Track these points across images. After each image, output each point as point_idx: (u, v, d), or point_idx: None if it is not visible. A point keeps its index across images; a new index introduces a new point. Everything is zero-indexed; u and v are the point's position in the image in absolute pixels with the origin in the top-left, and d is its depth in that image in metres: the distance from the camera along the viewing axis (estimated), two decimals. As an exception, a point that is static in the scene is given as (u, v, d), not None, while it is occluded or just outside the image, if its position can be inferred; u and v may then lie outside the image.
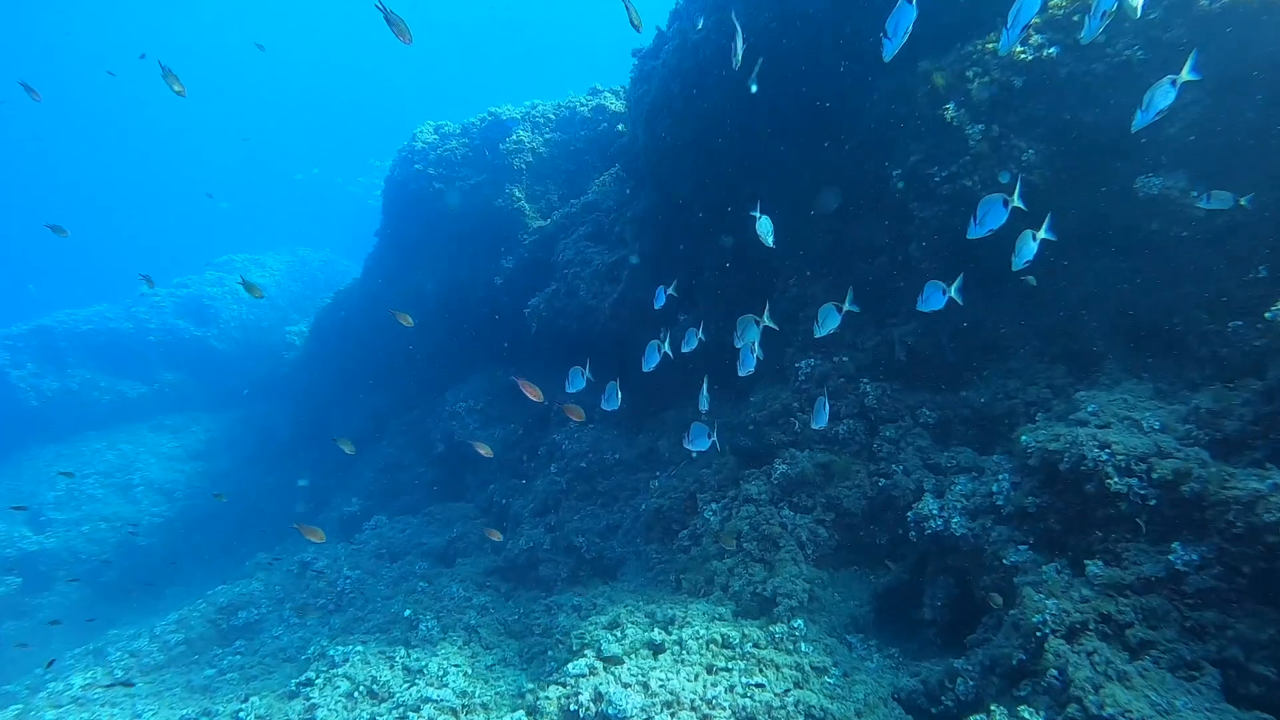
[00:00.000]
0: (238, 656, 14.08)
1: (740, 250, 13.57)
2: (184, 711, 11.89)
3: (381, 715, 9.80)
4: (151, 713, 12.33)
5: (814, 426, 9.60)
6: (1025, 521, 8.60)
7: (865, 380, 11.18)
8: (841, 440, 10.99)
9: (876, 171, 11.09)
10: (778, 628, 9.31)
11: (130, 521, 25.25)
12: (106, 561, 24.36)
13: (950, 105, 9.93)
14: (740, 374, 9.46)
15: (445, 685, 10.23)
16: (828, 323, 8.67)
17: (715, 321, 13.86)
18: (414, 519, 17.95)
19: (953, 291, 7.47)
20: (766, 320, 9.10)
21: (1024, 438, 8.85)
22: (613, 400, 9.88)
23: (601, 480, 14.69)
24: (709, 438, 9.61)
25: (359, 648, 11.78)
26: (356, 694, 10.46)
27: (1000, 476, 8.98)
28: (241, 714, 11.10)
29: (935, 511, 9.22)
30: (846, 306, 8.31)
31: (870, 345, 11.38)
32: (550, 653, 10.58)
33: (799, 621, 9.38)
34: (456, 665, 10.67)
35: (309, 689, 11.06)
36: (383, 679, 10.54)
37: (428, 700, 9.73)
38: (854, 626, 10.09)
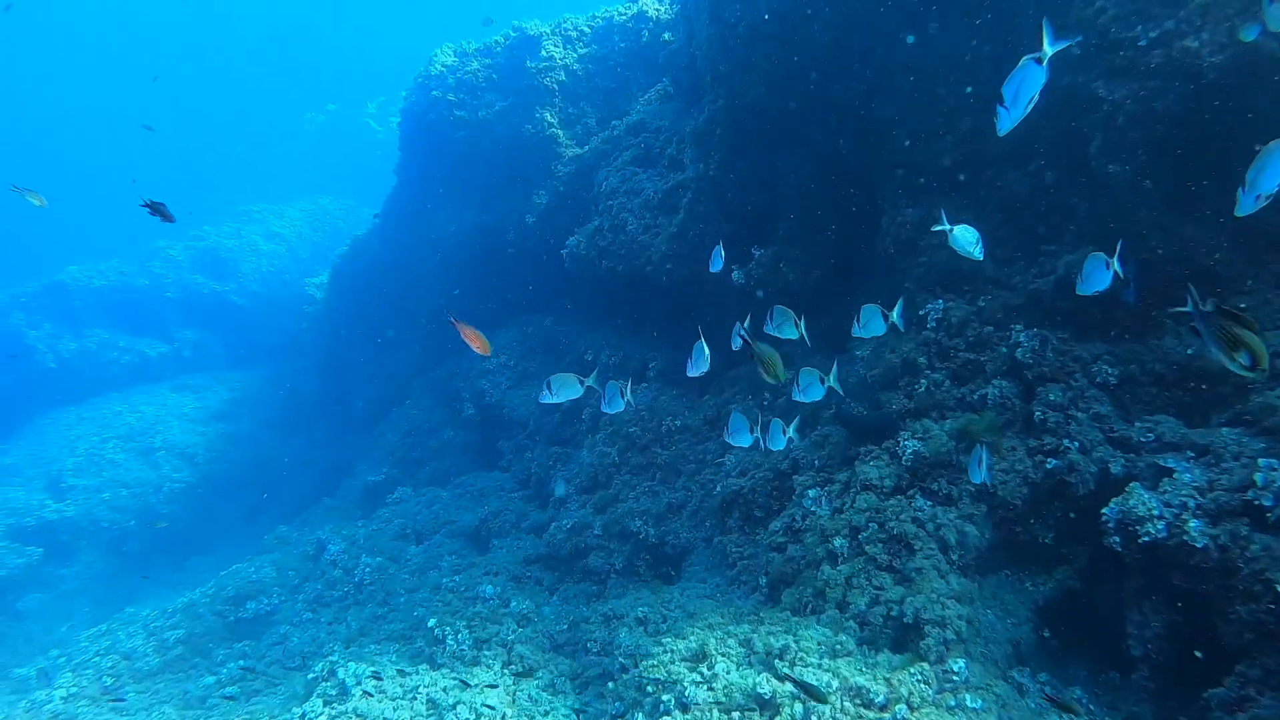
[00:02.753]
0: (241, 662, 11.61)
1: (832, 162, 10.48)
2: (168, 743, 9.46)
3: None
4: (135, 738, 9.93)
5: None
6: (1312, 531, 5.67)
7: (1018, 327, 8.18)
8: (990, 406, 8.03)
9: (1036, 43, 7.92)
10: (930, 672, 6.50)
11: (152, 487, 23.09)
12: (128, 530, 22.26)
13: (1167, -67, 6.75)
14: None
15: (478, 735, 7.62)
16: (871, 325, 6.95)
17: (798, 255, 10.87)
18: (443, 491, 15.33)
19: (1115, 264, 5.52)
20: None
21: (1305, 408, 5.87)
22: (701, 362, 7.01)
23: (660, 450, 11.88)
24: (753, 432, 7.43)
25: (368, 672, 9.18)
26: (366, 742, 7.88)
27: (1264, 464, 6.01)
28: (232, 752, 8.61)
29: (1155, 511, 6.29)
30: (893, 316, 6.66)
31: (1022, 282, 8.34)
32: (612, 685, 7.89)
33: (959, 663, 6.56)
34: (492, 706, 8.02)
35: (310, 725, 8.53)
36: (400, 718, 7.95)
37: (455, 763, 7.11)
38: (1017, 657, 7.28)
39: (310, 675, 9.76)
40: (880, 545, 7.61)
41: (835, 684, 6.40)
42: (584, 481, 12.45)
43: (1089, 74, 7.50)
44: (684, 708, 6.72)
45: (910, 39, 9.09)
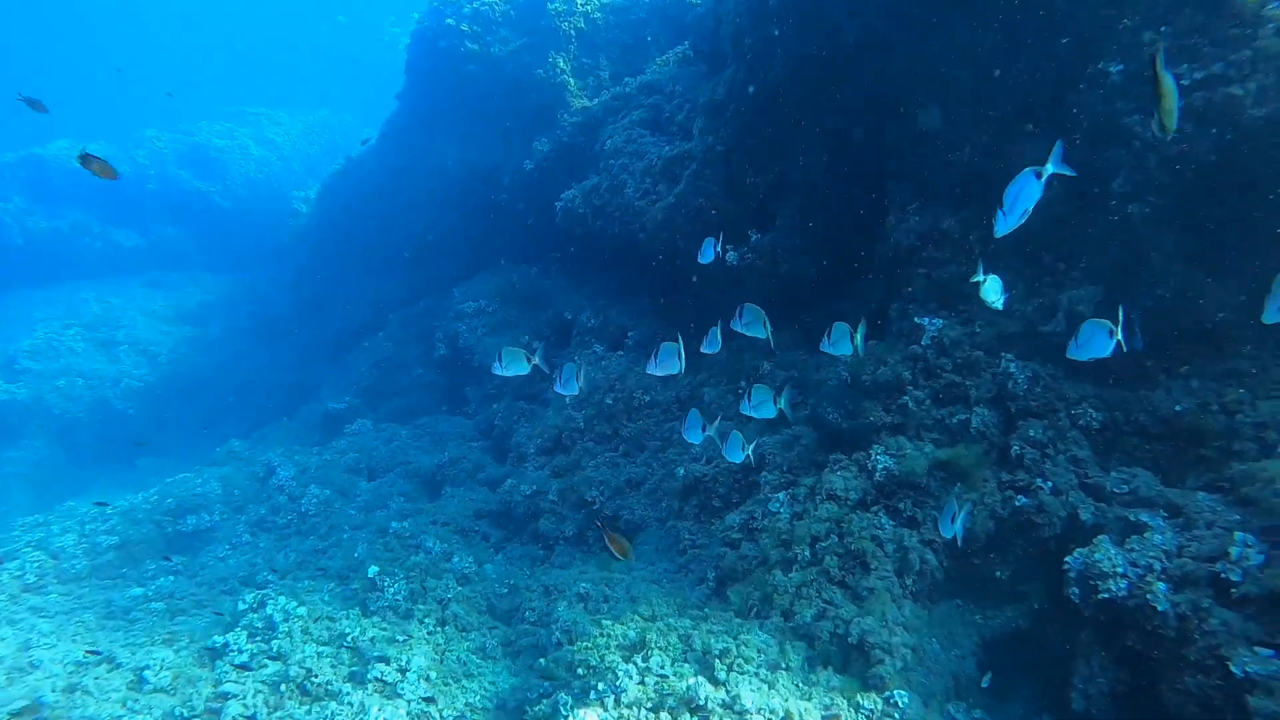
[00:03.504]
0: (172, 578, 11.26)
1: (845, 156, 10.07)
2: (80, 653, 9.13)
3: (306, 733, 6.96)
4: (48, 644, 9.56)
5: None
6: (1276, 614, 5.47)
7: (1009, 356, 7.89)
8: (970, 434, 7.77)
9: (1078, 61, 7.53)
10: (871, 702, 6.30)
11: (110, 381, 22.46)
12: (79, 421, 21.69)
13: (1234, -31, 6.34)
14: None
15: (399, 694, 7.34)
16: (840, 345, 6.91)
17: (796, 245, 10.50)
18: (403, 430, 14.94)
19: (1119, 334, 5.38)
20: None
21: (1292, 487, 5.65)
22: (714, 343, 6.83)
23: (627, 423, 11.57)
24: (704, 430, 7.32)
25: (303, 610, 8.87)
26: (282, 686, 7.58)
27: (1239, 538, 5.79)
28: (147, 673, 8.31)
29: (1120, 569, 6.08)
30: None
31: (1023, 310, 8.03)
32: (544, 661, 7.65)
33: (901, 694, 6.36)
34: (417, 667, 7.74)
35: (229, 656, 8.23)
36: (321, 673, 7.65)
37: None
38: (956, 690, 7.11)
39: (240, 605, 9.44)
40: (836, 558, 7.37)
41: (771, 700, 6.18)
42: (546, 443, 12.13)
43: (1125, 104, 7.12)
44: (614, 698, 6.48)
45: (938, 45, 8.65)
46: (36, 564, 11.73)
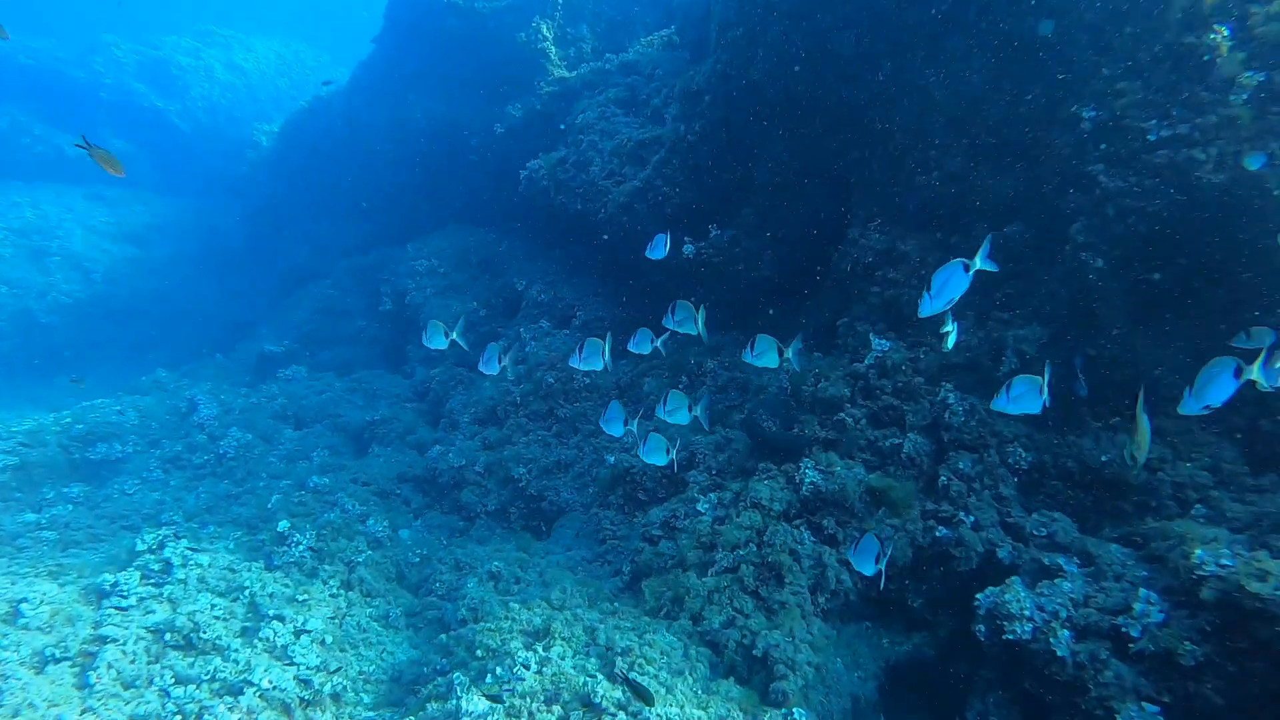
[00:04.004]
0: (70, 507, 10.74)
1: (815, 162, 9.92)
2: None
3: (179, 686, 6.62)
4: (-77, 563, 9.03)
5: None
6: (1169, 674, 5.52)
7: (949, 386, 7.85)
8: (901, 459, 7.72)
9: (1055, 102, 7.46)
10: (769, 718, 6.21)
11: (36, 292, 21.40)
12: (-1, 331, 20.67)
13: (1216, 33, 6.30)
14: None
15: (290, 658, 7.05)
16: (765, 357, 6.84)
17: (755, 245, 10.36)
18: (338, 382, 14.50)
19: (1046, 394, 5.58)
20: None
21: (1199, 553, 5.68)
22: (643, 344, 6.83)
23: (564, 404, 11.33)
24: (626, 423, 7.39)
25: (204, 558, 8.50)
26: (167, 635, 7.23)
27: (1142, 594, 5.82)
28: (24, 607, 7.85)
29: (1027, 612, 6.08)
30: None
31: (968, 341, 7.99)
32: (445, 637, 7.43)
33: (800, 712, 6.29)
34: (315, 626, 7.45)
35: (114, 599, 7.83)
36: (211, 627, 7.31)
37: (251, 684, 6.53)
38: (854, 712, 7.08)
39: (139, 544, 9.01)
40: (752, 568, 7.26)
41: (667, 706, 6.05)
42: (480, 413, 11.84)
43: (1093, 152, 7.08)
44: (510, 686, 6.29)
45: (924, 70, 8.53)
46: (-72, 477, 11.10)
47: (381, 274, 16.63)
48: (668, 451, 7.16)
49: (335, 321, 17.05)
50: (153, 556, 8.59)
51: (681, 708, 6.07)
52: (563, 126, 13.16)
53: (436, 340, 6.64)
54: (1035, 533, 7.05)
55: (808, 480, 7.66)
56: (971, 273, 5.19)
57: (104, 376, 19.59)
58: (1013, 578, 6.40)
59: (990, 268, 5.32)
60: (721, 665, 6.79)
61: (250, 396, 13.66)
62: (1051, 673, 5.84)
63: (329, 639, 7.45)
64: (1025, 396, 5.61)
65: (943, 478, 7.53)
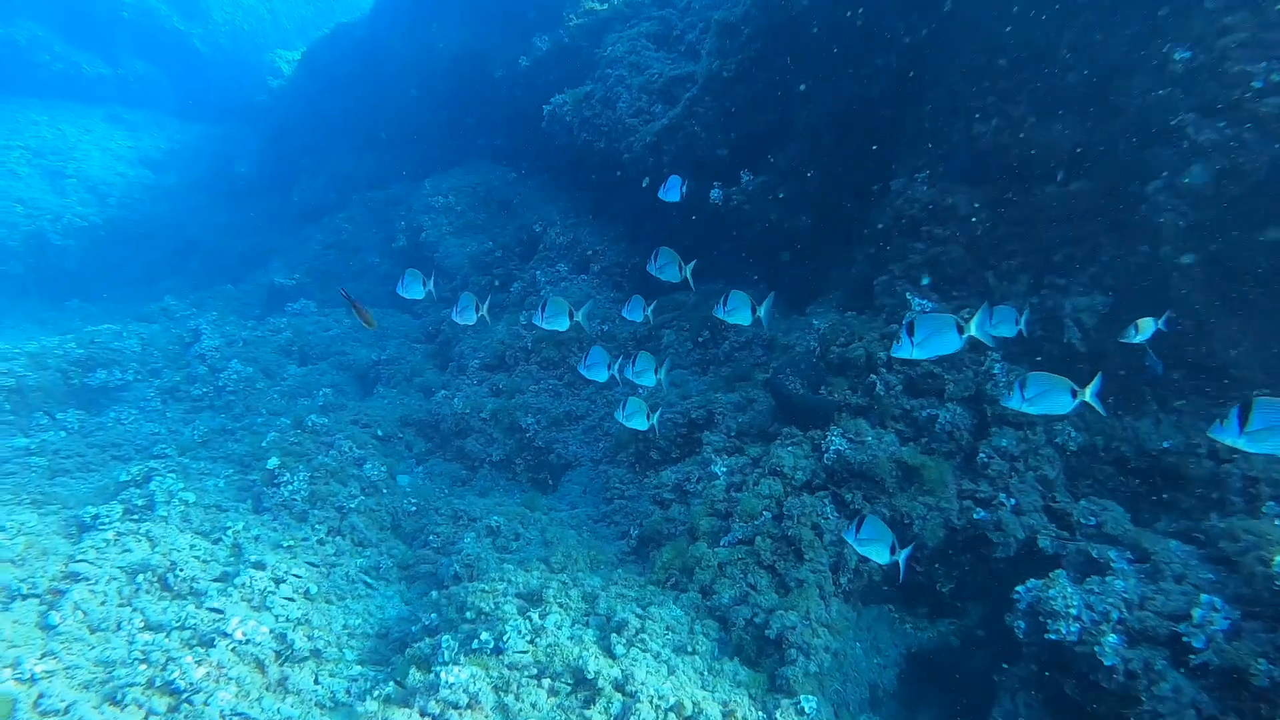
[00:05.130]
0: (62, 434, 10.27)
1: (858, 107, 9.05)
2: (-61, 500, 8.16)
3: (147, 633, 6.11)
4: (-97, 484, 8.58)
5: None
6: (1238, 693, 4.85)
7: (995, 355, 7.10)
8: (935, 431, 7.01)
9: (1140, 40, 6.56)
10: (777, 706, 5.62)
11: (51, 214, 20.83)
12: (10, 250, 20.12)
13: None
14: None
15: (269, 608, 6.52)
16: (737, 314, 6.31)
17: (789, 194, 9.55)
18: (346, 318, 13.88)
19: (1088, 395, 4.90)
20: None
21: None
22: (635, 310, 6.46)
23: (578, 353, 10.66)
24: (610, 368, 6.87)
25: (190, 495, 7.97)
26: (144, 574, 6.71)
27: (1204, 600, 5.13)
28: (2, 534, 7.38)
29: (1074, 610, 5.41)
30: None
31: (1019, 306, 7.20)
32: (436, 594, 6.87)
33: (810, 702, 5.69)
34: (299, 575, 6.91)
35: (94, 534, 7.33)
36: (188, 568, 6.78)
37: (225, 635, 6.00)
38: (871, 702, 6.50)
39: (127, 476, 8.50)
40: (769, 541, 6.63)
41: (666, 686, 5.47)
42: (489, 358, 11.21)
43: (1183, 98, 6.20)
44: (498, 654, 5.74)
45: (989, 8, 7.60)
46: (-80, 395, 10.64)
47: (397, 210, 15.90)
48: (648, 417, 6.68)
49: (348, 257, 16.39)
50: (138, 490, 8.09)
51: (681, 690, 5.48)
52: (599, 55, 12.21)
53: (414, 290, 6.62)
54: (1083, 521, 6.35)
55: (834, 448, 6.97)
56: (965, 337, 4.86)
57: (113, 302, 19.13)
58: (1058, 571, 5.71)
59: (985, 340, 5.06)
60: (730, 644, 6.20)
61: (256, 329, 13.10)
62: (1098, 679, 5.19)
63: (313, 589, 6.91)
64: (1048, 397, 5.01)
65: (983, 454, 6.82)
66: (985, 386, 6.99)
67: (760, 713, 5.61)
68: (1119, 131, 6.69)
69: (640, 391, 7.90)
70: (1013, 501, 6.51)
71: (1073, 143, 7.05)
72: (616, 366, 6.88)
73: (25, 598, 6.50)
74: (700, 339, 9.72)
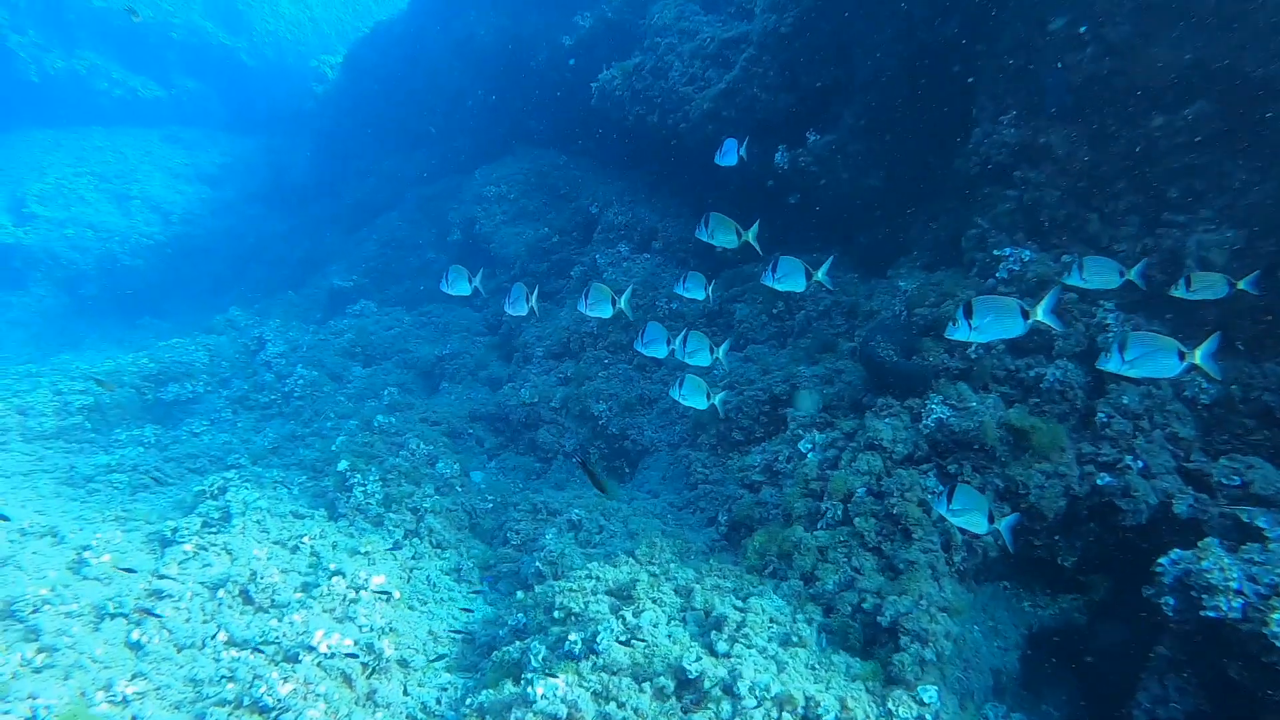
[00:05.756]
0: (140, 449, 10.26)
1: (930, 49, 8.37)
2: (27, 521, 8.15)
3: (232, 650, 5.91)
4: (-5, 507, 8.61)
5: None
6: None
7: (1109, 305, 6.44)
8: (1044, 391, 6.39)
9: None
10: (898, 701, 5.14)
11: (120, 236, 21.27)
12: (85, 273, 20.61)
13: None
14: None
15: (352, 618, 6.27)
16: (790, 279, 5.96)
17: (860, 150, 8.95)
18: (407, 316, 13.73)
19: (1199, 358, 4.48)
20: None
21: None
22: (697, 288, 6.58)
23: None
24: (669, 344, 6.48)
25: (264, 503, 7.81)
26: (225, 588, 6.53)
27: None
28: (89, 554, 7.30)
29: (1234, 584, 4.79)
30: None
31: (1129, 252, 6.53)
32: (522, 595, 6.55)
33: (931, 692, 5.19)
34: (375, 587, 6.64)
35: (175, 548, 7.20)
36: (268, 579, 6.58)
37: (310, 650, 5.76)
38: (996, 689, 5.97)
39: (203, 486, 8.40)
40: (873, 520, 6.12)
41: (777, 684, 5.03)
42: (555, 346, 10.86)
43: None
44: (591, 657, 5.37)
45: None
46: (1, 417, 10.77)
47: (450, 203, 15.66)
48: (709, 396, 6.22)
49: (404, 254, 16.23)
50: (214, 503, 7.96)
51: (794, 685, 5.03)
52: (644, 25, 11.68)
53: (460, 286, 6.60)
54: (1225, 482, 5.70)
55: (934, 416, 6.41)
56: (1030, 322, 4.56)
57: (183, 317, 19.42)
58: (1209, 539, 5.09)
59: (1055, 325, 4.78)
60: (838, 634, 5.72)
61: (319, 333, 13.01)
62: (1272, 661, 4.57)
63: (394, 595, 6.65)
64: (1152, 360, 4.55)
65: (1101, 414, 6.19)
66: (1099, 340, 6.34)
67: (878, 707, 5.14)
68: (1243, 45, 5.94)
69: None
70: (1140, 464, 5.88)
71: (1185, 63, 6.31)
72: (679, 340, 6.47)
73: (113, 617, 6.38)
74: (775, 311, 9.19)
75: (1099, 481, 5.95)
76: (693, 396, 6.33)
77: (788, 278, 5.85)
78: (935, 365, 6.73)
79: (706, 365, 6.49)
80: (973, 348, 6.56)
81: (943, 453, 6.36)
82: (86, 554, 7.35)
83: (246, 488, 8.14)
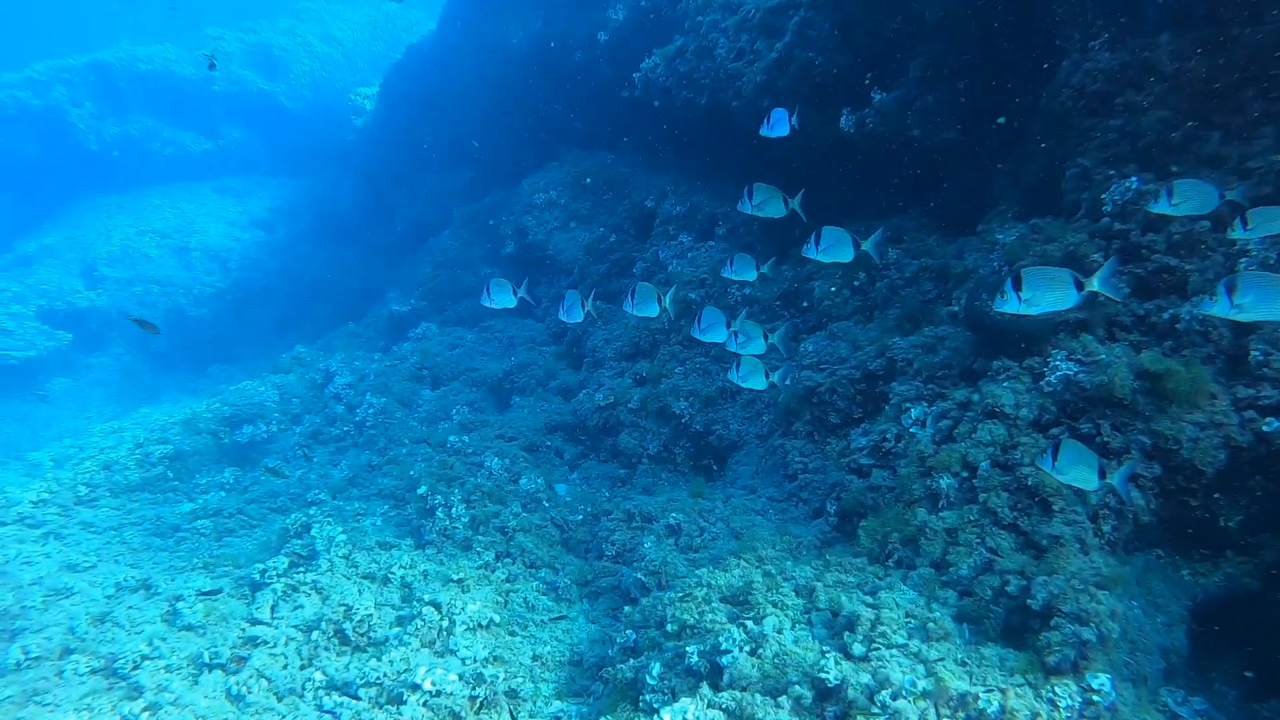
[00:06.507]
0: (221, 493, 10.18)
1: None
2: (122, 575, 8.06)
3: (334, 695, 5.59)
4: (88, 564, 8.56)
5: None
6: None
7: (1247, 229, 5.72)
8: (1180, 334, 5.72)
9: None
10: (1066, 691, 4.55)
11: (183, 288, 21.71)
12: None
13: None
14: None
15: (453, 650, 5.92)
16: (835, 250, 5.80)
17: (930, 103, 8.34)
18: (469, 333, 13.48)
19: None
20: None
21: None
22: (746, 269, 6.39)
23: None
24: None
25: (347, 537, 7.55)
26: (319, 629, 6.25)
27: None
28: (181, 605, 7.14)
29: None
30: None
31: (1265, 168, 5.81)
32: (629, 609, 6.12)
33: (1102, 680, 4.59)
34: (472, 615, 6.28)
35: (265, 591, 6.97)
36: (362, 614, 6.29)
37: (414, 688, 5.41)
38: (1167, 671, 5.31)
39: (286, 523, 8.22)
40: (1005, 495, 5.53)
41: (928, 683, 4.49)
42: (625, 346, 10.44)
43: None
44: (715, 673, 4.91)
45: None
46: (88, 474, 10.82)
47: (499, 216, 15.40)
48: (766, 376, 6.12)
49: (459, 273, 16.01)
50: (299, 542, 7.76)
51: (946, 684, 4.49)
52: (681, 7, 11.21)
53: (503, 299, 6.52)
54: None
55: (1060, 373, 5.78)
56: (1085, 293, 4.40)
57: (250, 360, 19.63)
58: None
59: (1112, 294, 4.71)
60: (983, 623, 5.15)
61: (383, 360, 12.84)
62: None
63: (494, 622, 6.29)
64: (1268, 301, 4.19)
65: (1255, 352, 5.49)
66: (1240, 265, 5.64)
67: (1043, 701, 4.55)
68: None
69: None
70: (1313, 403, 5.17)
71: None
72: (738, 322, 6.44)
73: (211, 668, 6.17)
74: (856, 283, 8.61)
75: (1265, 428, 5.26)
76: (752, 378, 6.18)
77: (832, 249, 5.71)
78: (1051, 318, 6.09)
79: (761, 353, 6.31)
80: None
81: (1074, 413, 5.72)
82: (180, 604, 7.20)
83: (329, 523, 7.91)
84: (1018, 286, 4.45)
